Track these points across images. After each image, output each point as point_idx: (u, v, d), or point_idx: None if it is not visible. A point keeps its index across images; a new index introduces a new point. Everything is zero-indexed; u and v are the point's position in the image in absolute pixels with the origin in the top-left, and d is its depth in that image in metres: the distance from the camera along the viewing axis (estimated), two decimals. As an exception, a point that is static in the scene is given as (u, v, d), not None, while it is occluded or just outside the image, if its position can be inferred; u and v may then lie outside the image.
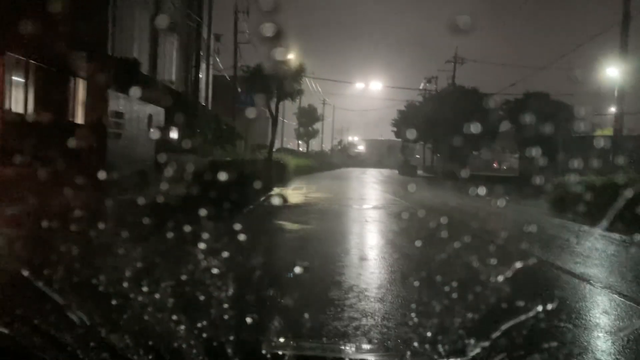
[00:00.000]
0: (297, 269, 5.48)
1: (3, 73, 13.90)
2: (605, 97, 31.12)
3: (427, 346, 2.95)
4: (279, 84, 21.48)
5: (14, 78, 14.53)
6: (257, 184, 12.90)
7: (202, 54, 24.83)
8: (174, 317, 2.90)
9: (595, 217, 11.26)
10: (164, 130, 17.75)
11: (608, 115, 31.62)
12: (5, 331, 2.39)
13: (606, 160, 18.73)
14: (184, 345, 2.29)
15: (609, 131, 25.55)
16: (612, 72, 23.47)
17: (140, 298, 3.52)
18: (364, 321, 4.06)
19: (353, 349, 3.41)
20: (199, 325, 2.58)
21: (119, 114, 13.30)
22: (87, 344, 2.17)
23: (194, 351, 2.20)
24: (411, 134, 42.25)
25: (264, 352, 2.15)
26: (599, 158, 18.58)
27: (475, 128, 27.27)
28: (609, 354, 3.73)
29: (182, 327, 2.53)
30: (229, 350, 2.28)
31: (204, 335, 2.41)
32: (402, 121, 48.11)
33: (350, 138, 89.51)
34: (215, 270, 4.94)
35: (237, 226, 8.48)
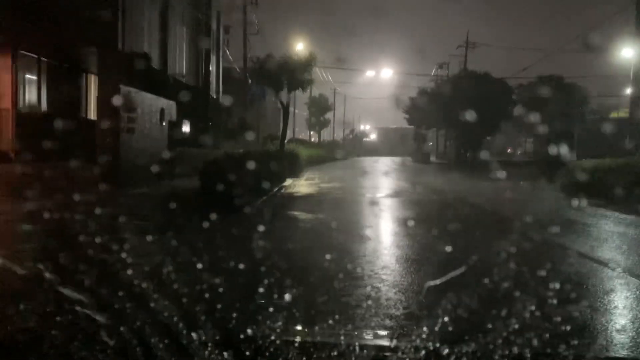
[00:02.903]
0: (311, 260, 5.50)
1: (16, 71, 14.03)
2: (620, 78, 30.66)
3: (435, 329, 2.97)
4: (289, 75, 21.43)
5: (27, 76, 14.67)
6: (270, 176, 12.92)
7: (211, 46, 24.84)
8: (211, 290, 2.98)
9: (611, 199, 11.15)
10: (176, 123, 17.82)
11: (624, 97, 31.13)
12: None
13: (622, 143, 18.49)
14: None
15: (624, 113, 25.19)
16: (627, 52, 23.10)
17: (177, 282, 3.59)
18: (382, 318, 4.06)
19: (368, 335, 3.42)
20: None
21: (131, 109, 13.37)
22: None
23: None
24: (423, 115, 42.00)
25: (273, 338, 2.18)
26: (615, 140, 18.34)
27: (488, 113, 27.04)
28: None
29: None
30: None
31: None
32: (414, 108, 47.77)
33: (362, 127, 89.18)
34: (228, 258, 4.98)
35: (252, 218, 8.53)
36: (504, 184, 16.79)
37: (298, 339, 2.31)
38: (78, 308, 2.95)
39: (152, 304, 2.92)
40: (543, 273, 4.46)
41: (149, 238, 5.86)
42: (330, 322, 3.48)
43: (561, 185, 14.80)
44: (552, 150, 20.02)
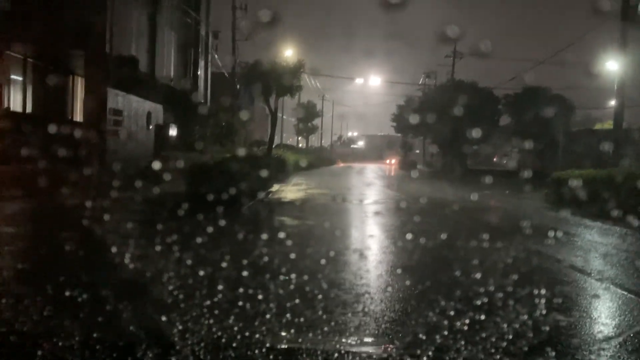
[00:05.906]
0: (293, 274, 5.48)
1: (1, 72, 13.90)
2: (605, 90, 31.07)
3: (419, 336, 2.99)
4: (277, 80, 21.47)
5: (13, 77, 14.54)
6: (257, 181, 12.89)
7: (200, 51, 24.81)
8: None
9: (594, 210, 11.27)
10: (163, 127, 17.76)
11: (608, 109, 31.54)
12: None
13: (606, 154, 18.70)
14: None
15: (609, 125, 25.49)
16: (612, 64, 23.39)
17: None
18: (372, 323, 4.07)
19: (352, 341, 3.43)
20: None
21: (117, 112, 13.31)
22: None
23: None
24: (410, 123, 42.17)
25: (268, 345, 2.19)
26: (599, 151, 18.57)
27: (474, 122, 27.25)
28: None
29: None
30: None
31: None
32: (401, 116, 48.03)
33: (349, 133, 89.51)
34: (209, 270, 4.95)
35: (236, 224, 8.49)
36: (489, 194, 16.91)
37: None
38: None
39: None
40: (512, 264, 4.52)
41: (115, 249, 5.75)
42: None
43: (545, 195, 14.97)
44: (538, 160, 20.24)
